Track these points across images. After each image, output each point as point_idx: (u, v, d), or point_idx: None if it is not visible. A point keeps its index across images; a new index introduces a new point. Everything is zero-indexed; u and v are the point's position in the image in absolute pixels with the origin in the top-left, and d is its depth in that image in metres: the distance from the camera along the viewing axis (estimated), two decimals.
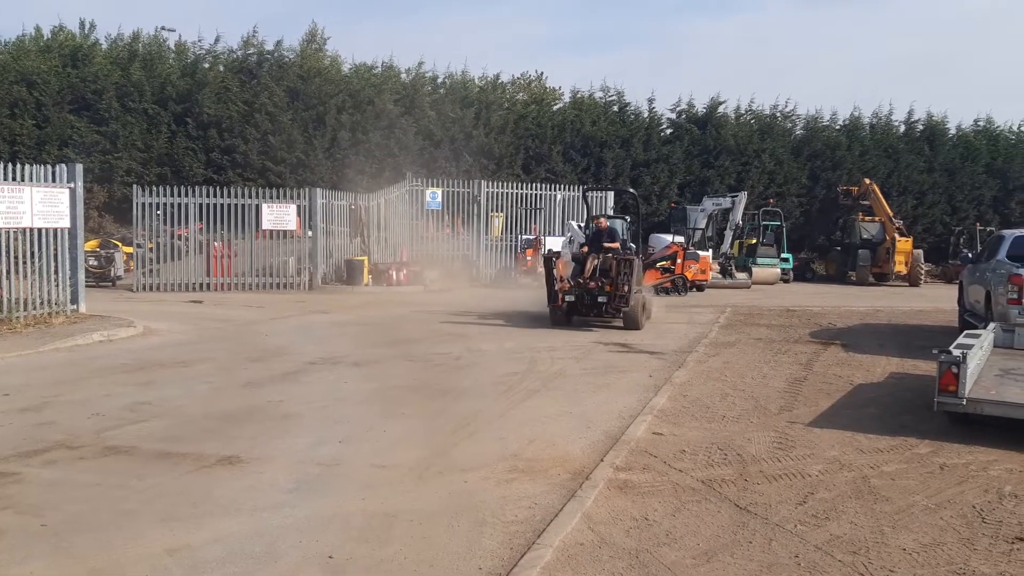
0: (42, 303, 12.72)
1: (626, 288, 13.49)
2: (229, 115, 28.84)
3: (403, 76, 32.60)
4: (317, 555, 4.29)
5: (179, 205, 20.00)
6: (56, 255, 12.94)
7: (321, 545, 4.42)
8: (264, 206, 20.50)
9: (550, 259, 14.24)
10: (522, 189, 26.33)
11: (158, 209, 19.97)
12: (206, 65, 30.75)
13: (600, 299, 13.66)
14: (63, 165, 13.36)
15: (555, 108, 34.60)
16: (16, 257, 12.36)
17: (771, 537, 4.70)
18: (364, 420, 7.34)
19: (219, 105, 28.99)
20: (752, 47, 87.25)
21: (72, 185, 13.16)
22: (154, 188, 20.20)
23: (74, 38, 30.28)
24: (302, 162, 29.25)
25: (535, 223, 25.99)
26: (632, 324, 13.82)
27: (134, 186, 20.70)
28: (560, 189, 26.76)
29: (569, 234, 24.93)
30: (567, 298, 13.84)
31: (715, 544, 4.59)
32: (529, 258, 23.37)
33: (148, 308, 15.51)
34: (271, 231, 20.67)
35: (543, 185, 26.90)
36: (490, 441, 6.61)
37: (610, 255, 14.17)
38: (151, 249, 19.89)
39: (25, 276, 12.50)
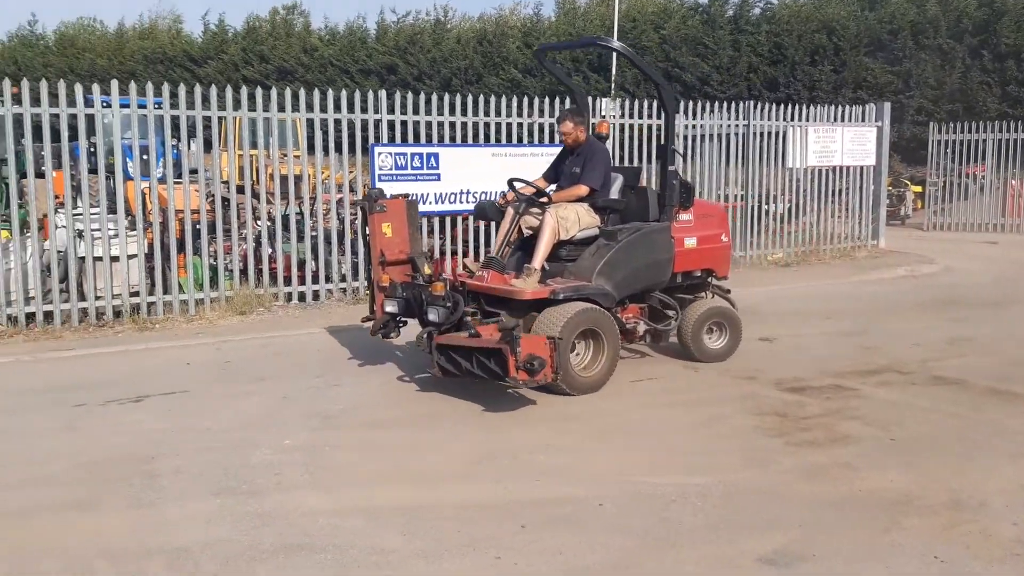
0: (846, 237, 13.55)
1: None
2: None
3: None
4: None
5: (972, 142, 19.04)
6: (860, 192, 13.59)
7: None
8: None
9: (365, 215, 6.74)
10: None
11: (947, 147, 19.35)
12: None
13: (428, 312, 6.06)
14: (872, 105, 13.87)
15: None
16: (826, 194, 13.36)
17: None
18: None
19: (1019, 34, 26.52)
20: None
21: (879, 124, 13.61)
22: (947, 125, 19.59)
23: None
24: None
25: None
26: (497, 367, 5.52)
27: (930, 124, 20.40)
28: None
29: None
30: (387, 307, 6.48)
31: None
32: None
33: (940, 247, 15.21)
34: None
35: None
36: None
37: (541, 210, 6.48)
38: (941, 188, 19.44)
39: (832, 213, 13.47)
